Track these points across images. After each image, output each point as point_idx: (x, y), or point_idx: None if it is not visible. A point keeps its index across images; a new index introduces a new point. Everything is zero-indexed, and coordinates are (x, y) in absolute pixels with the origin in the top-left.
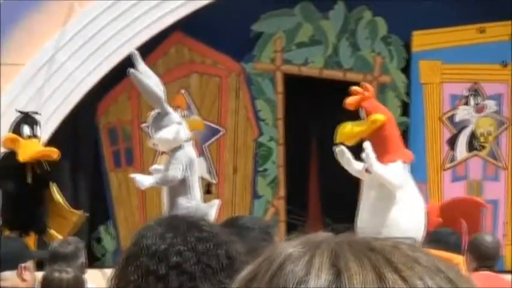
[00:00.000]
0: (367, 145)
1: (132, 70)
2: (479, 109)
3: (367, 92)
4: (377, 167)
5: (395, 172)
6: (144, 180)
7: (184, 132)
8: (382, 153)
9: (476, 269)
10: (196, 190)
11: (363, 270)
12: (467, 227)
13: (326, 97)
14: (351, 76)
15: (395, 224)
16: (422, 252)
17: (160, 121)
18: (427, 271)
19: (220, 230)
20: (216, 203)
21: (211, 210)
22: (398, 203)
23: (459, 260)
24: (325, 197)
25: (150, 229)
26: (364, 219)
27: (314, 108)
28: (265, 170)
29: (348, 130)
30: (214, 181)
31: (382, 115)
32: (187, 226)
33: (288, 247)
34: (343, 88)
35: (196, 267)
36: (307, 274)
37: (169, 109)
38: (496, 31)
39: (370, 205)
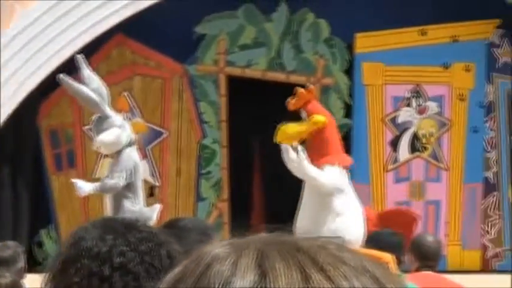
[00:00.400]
0: (297, 146)
1: (61, 76)
2: (421, 110)
3: (309, 93)
4: (308, 169)
5: (330, 175)
6: (85, 187)
7: (127, 135)
8: (320, 155)
9: (418, 269)
10: (140, 194)
11: (288, 271)
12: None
13: (269, 99)
14: (294, 78)
15: (333, 229)
16: (349, 252)
17: (101, 124)
18: (353, 271)
19: (159, 231)
20: (157, 207)
21: (154, 214)
22: (336, 208)
23: (388, 258)
24: (268, 198)
25: (87, 232)
26: (303, 224)
27: (257, 110)
28: (209, 172)
29: (288, 130)
30: (157, 184)
31: (323, 117)
32: (126, 227)
33: (216, 248)
34: (286, 90)
35: (140, 267)
36: (233, 275)
37: (110, 112)
38: (438, 33)
39: (309, 209)
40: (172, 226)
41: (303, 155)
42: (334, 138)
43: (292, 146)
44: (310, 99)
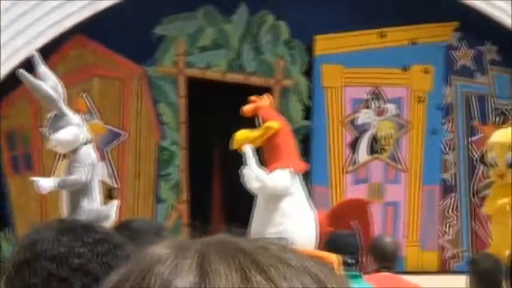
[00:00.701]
0: (247, 149)
1: (21, 70)
2: (380, 112)
3: (264, 100)
4: (257, 172)
5: (280, 179)
6: (45, 184)
7: (84, 133)
8: (273, 160)
9: (376, 270)
10: (97, 193)
11: (228, 272)
12: (361, 228)
13: (229, 100)
14: (253, 80)
15: (281, 231)
16: (292, 252)
17: (57, 123)
18: (294, 271)
19: (113, 232)
20: (114, 203)
21: (112, 212)
22: (284, 210)
23: (333, 259)
24: (228, 200)
25: (41, 233)
26: (255, 225)
27: (217, 112)
28: (168, 174)
29: (243, 137)
30: (116, 185)
31: (276, 123)
32: (82, 228)
33: (157, 249)
34: (246, 91)
35: (99, 268)
36: (173, 276)
37: (66, 110)
38: (397, 36)
39: (260, 211)
40: (124, 228)
41: (252, 158)
42: (288, 143)
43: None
44: (264, 106)
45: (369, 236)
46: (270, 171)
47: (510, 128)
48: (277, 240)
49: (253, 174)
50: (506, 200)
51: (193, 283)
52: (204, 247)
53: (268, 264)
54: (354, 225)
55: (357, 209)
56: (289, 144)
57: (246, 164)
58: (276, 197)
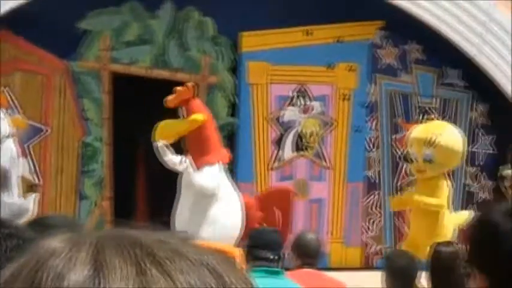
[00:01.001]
0: (160, 144)
1: None
2: (305, 110)
3: (188, 91)
4: (191, 176)
5: (210, 176)
6: None
7: (4, 127)
8: (200, 153)
9: (299, 267)
10: (16, 186)
11: (124, 265)
12: (281, 216)
13: (154, 97)
14: (179, 76)
15: (213, 224)
16: (191, 246)
17: None
18: (192, 265)
19: (25, 228)
20: (33, 196)
21: (30, 205)
22: (215, 203)
23: (235, 253)
24: (152, 196)
25: None
26: (181, 219)
27: (142, 108)
28: (92, 170)
29: (166, 128)
30: (37, 182)
31: (201, 115)
32: None
33: (53, 243)
34: (171, 88)
35: (6, 263)
36: (67, 269)
37: None
38: (322, 34)
39: (187, 204)
40: (38, 223)
41: (188, 163)
42: (213, 135)
43: (181, 160)
44: (188, 97)
45: (287, 224)
46: (198, 167)
47: (428, 124)
48: (177, 233)
49: (176, 159)
50: (422, 196)
51: (87, 276)
52: (100, 240)
53: (165, 258)
54: (276, 213)
55: (281, 198)
56: (215, 136)
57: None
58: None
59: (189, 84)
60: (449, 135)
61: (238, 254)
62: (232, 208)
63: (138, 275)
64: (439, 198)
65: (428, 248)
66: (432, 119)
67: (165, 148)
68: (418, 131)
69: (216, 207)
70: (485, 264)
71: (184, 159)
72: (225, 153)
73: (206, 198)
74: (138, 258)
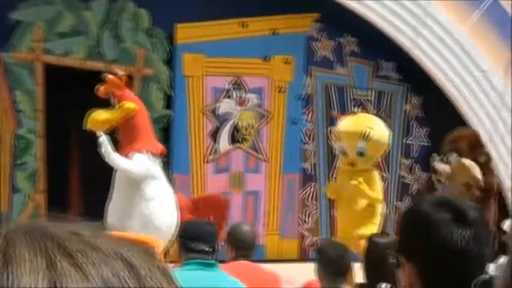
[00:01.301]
0: (102, 137)
1: None
2: (241, 102)
3: (119, 80)
4: (113, 157)
5: (139, 163)
6: None
7: None
8: (131, 142)
9: (234, 259)
10: None
11: (33, 258)
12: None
13: (88, 89)
14: (113, 68)
15: (145, 215)
16: (105, 237)
17: None
18: (104, 257)
19: None
20: None
21: None
22: (148, 194)
23: (155, 243)
24: (87, 189)
25: None
26: (114, 212)
27: (76, 100)
28: (24, 163)
29: (97, 117)
30: None
31: (133, 104)
32: None
33: None
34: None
35: None
36: None
37: None
38: (258, 26)
39: (120, 197)
40: None
41: (109, 147)
42: (145, 125)
43: (97, 135)
44: (120, 86)
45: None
46: (127, 154)
47: (357, 117)
48: (91, 225)
49: (120, 164)
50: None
51: None
52: (9, 233)
53: (77, 250)
54: (209, 217)
55: (216, 205)
56: (147, 126)
57: (103, 153)
58: (139, 182)
59: (120, 73)
60: (379, 128)
61: (157, 245)
62: (165, 205)
63: (48, 267)
64: (374, 191)
65: (358, 239)
66: (358, 112)
67: (106, 142)
68: (350, 124)
69: (149, 203)
70: (414, 254)
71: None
72: (156, 143)
73: (138, 193)
74: (48, 250)
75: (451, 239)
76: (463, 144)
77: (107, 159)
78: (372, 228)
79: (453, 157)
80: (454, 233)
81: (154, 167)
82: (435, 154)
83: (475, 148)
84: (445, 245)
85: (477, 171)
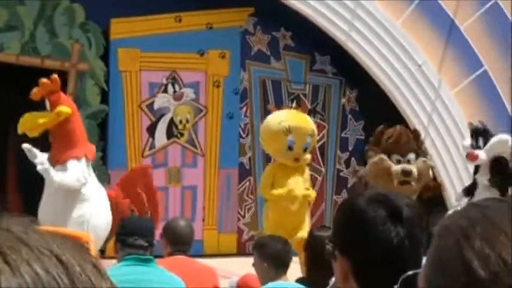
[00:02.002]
0: (26, 146)
1: None
2: (177, 97)
3: (53, 83)
4: (51, 175)
5: (75, 173)
6: None
7: None
8: (67, 149)
9: (171, 254)
10: None
11: None
12: (147, 195)
13: (23, 84)
14: (48, 63)
15: (79, 216)
16: (37, 234)
17: None
18: (35, 254)
19: None
20: None
21: None
22: (81, 196)
23: (87, 238)
24: (24, 187)
25: None
26: (47, 213)
27: (11, 96)
28: None
29: (30, 121)
30: None
31: (67, 108)
32: None
33: None
34: (41, 75)
35: None
36: None
37: None
38: (193, 20)
39: (53, 198)
40: None
41: (46, 163)
42: (80, 129)
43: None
44: (54, 89)
45: (155, 200)
46: (63, 161)
47: (301, 113)
48: (22, 221)
49: (55, 178)
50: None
51: None
52: None
53: (8, 247)
54: (141, 193)
55: (141, 176)
56: (81, 130)
57: (40, 170)
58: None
59: (54, 76)
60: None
61: (89, 239)
62: (99, 206)
63: None
64: (309, 186)
65: (289, 234)
66: (293, 107)
67: (32, 150)
68: (299, 120)
69: (84, 207)
70: (348, 249)
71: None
72: (91, 147)
73: (72, 196)
74: None
75: (386, 236)
76: (413, 144)
77: (42, 173)
78: (306, 226)
79: (412, 157)
80: (389, 231)
81: (88, 170)
82: (383, 155)
83: (421, 147)
84: (379, 242)
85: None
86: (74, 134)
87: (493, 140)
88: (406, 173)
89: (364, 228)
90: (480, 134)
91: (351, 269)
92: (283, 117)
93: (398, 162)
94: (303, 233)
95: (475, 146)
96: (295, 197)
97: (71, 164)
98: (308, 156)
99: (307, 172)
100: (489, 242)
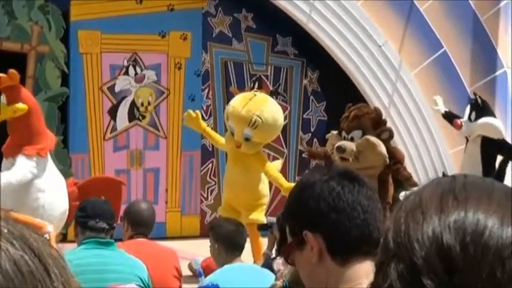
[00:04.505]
0: None
1: None
2: (138, 79)
3: (11, 78)
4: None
5: (20, 170)
6: None
7: None
8: (21, 144)
9: (131, 237)
10: None
11: None
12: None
13: None
14: (7, 45)
15: (36, 207)
16: (7, 221)
17: None
18: (10, 241)
19: None
20: None
21: None
22: (37, 187)
23: (41, 224)
24: None
25: None
26: (6, 202)
27: None
28: None
29: None
30: None
31: (24, 104)
32: None
33: None
34: (1, 57)
35: None
36: None
37: None
38: (154, 2)
39: (13, 190)
40: None
41: None
42: (36, 125)
43: None
44: (11, 85)
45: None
46: (14, 155)
47: (248, 101)
48: None
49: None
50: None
51: None
52: None
53: None
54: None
55: (110, 187)
56: (38, 126)
57: None
58: (28, 182)
59: (12, 71)
60: (270, 114)
61: (44, 225)
62: (59, 196)
63: None
64: (267, 167)
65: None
66: (256, 92)
67: None
68: (240, 108)
69: (40, 200)
70: (316, 223)
71: None
72: (48, 144)
73: (29, 186)
74: None
75: (351, 207)
76: (366, 121)
77: None
78: (262, 210)
79: (356, 134)
80: (352, 193)
81: (44, 164)
82: (335, 132)
83: (378, 125)
84: (346, 209)
85: (383, 149)
86: (30, 131)
87: (487, 120)
88: (340, 150)
89: (328, 204)
90: (475, 109)
91: (325, 244)
92: (233, 101)
93: (344, 139)
94: (256, 215)
95: (468, 117)
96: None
97: (20, 160)
98: (254, 147)
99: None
100: (407, 216)
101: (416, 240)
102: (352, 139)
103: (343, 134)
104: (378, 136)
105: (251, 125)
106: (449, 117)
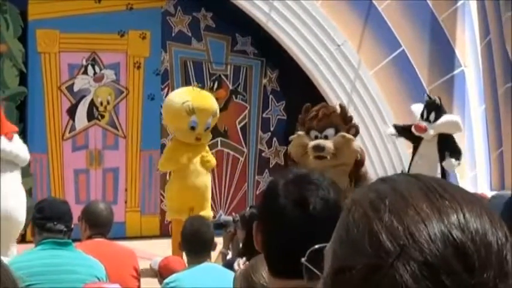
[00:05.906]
0: None
1: None
2: (97, 78)
3: None
4: None
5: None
6: None
7: None
8: None
9: (89, 237)
10: None
11: None
12: None
13: None
14: None
15: (9, 208)
16: None
17: None
18: None
19: None
20: None
21: None
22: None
23: None
24: None
25: None
26: None
27: None
28: None
29: None
30: None
31: None
32: None
33: None
34: None
35: None
36: None
37: None
38: (113, 1)
39: None
40: None
41: None
42: None
43: None
44: None
45: None
46: None
47: (204, 93)
48: None
49: None
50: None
51: None
52: None
53: None
54: None
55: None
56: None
57: None
58: None
59: None
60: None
61: None
62: (20, 195)
63: None
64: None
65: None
66: (194, 86)
67: None
68: (203, 101)
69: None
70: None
71: None
72: (9, 127)
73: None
74: None
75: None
76: (336, 119)
77: None
78: (208, 205)
79: (330, 132)
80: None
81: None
82: (301, 132)
83: (347, 122)
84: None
85: (356, 145)
86: None
87: (448, 118)
88: (318, 148)
89: (272, 201)
90: (434, 109)
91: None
92: (187, 97)
93: (316, 138)
94: (206, 212)
95: (426, 118)
96: (195, 170)
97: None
98: (210, 135)
99: (207, 149)
100: (397, 215)
101: (425, 240)
102: (326, 137)
103: (314, 133)
104: (347, 132)
105: (215, 114)
106: (404, 128)
